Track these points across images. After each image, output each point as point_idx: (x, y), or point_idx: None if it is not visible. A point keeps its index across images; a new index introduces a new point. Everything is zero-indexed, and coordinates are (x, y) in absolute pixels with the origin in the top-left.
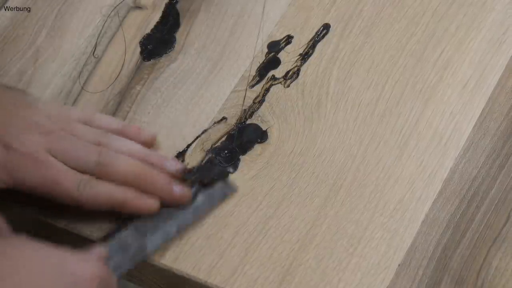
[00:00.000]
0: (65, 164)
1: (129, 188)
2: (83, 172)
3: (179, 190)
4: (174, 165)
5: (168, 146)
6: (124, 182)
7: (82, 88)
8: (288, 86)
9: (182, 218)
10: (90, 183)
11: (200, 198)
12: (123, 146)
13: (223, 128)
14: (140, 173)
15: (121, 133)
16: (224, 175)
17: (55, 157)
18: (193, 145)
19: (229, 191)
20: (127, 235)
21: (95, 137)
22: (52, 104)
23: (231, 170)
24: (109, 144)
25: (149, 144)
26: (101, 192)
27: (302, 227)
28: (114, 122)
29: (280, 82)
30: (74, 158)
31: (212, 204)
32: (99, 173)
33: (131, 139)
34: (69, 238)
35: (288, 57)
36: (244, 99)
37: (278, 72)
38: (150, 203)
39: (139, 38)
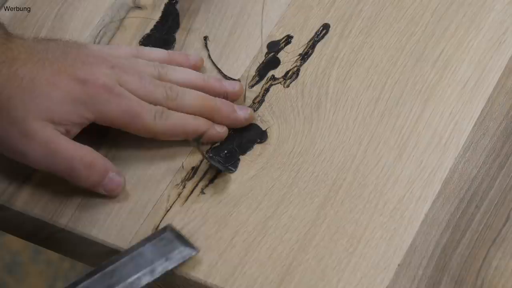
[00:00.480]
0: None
1: (200, 118)
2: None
3: (243, 114)
4: (233, 85)
5: (168, 146)
6: (192, 113)
7: None
8: (288, 86)
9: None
10: (165, 113)
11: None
12: (182, 75)
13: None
14: (205, 104)
15: (171, 62)
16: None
17: (123, 85)
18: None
19: (188, 255)
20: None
21: (154, 70)
22: (100, 45)
23: (232, 169)
24: (169, 75)
25: (199, 66)
26: (176, 122)
27: (302, 227)
28: (161, 53)
29: (280, 82)
30: (144, 92)
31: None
32: (169, 106)
33: (180, 65)
34: (69, 238)
35: (287, 57)
36: (244, 99)
37: (278, 72)
38: (221, 131)
39: (138, 38)
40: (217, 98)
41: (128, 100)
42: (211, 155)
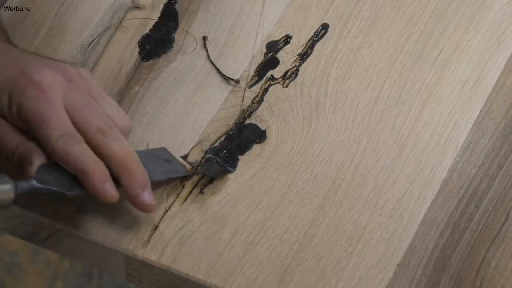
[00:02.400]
0: (70, 115)
1: (103, 166)
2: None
3: (148, 199)
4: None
5: (167, 146)
6: (110, 158)
7: None
8: (287, 86)
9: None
10: (73, 139)
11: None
12: (121, 145)
13: (222, 128)
14: (128, 161)
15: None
16: (223, 174)
17: (65, 105)
18: (193, 145)
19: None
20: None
21: (104, 122)
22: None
23: (230, 169)
24: (112, 137)
25: None
26: (74, 152)
27: (301, 227)
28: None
29: (279, 82)
30: (82, 115)
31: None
32: (94, 139)
33: None
34: (68, 239)
35: (286, 57)
36: (243, 99)
37: (277, 72)
38: (109, 192)
39: (137, 38)
40: (140, 168)
41: (50, 107)
42: (209, 156)
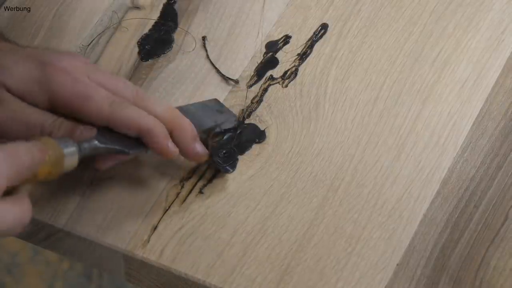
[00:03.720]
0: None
1: (161, 124)
2: None
3: (200, 149)
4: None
5: None
6: (159, 116)
7: None
8: (286, 86)
9: None
10: (123, 103)
11: None
12: (160, 106)
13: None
14: (174, 117)
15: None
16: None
17: (92, 80)
18: None
19: None
20: None
21: (131, 90)
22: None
23: (230, 169)
24: (146, 101)
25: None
26: (132, 114)
27: (300, 227)
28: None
29: (278, 82)
30: (113, 87)
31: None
32: (135, 103)
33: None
34: (68, 239)
35: (286, 57)
36: (246, 99)
37: (276, 72)
38: (172, 149)
39: (137, 38)
40: (187, 120)
41: (85, 84)
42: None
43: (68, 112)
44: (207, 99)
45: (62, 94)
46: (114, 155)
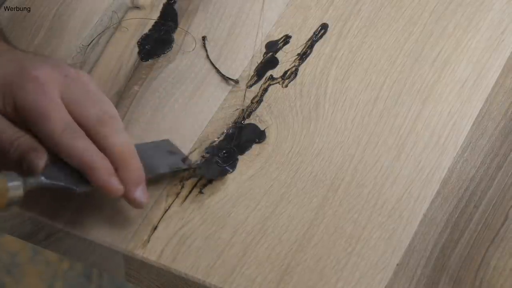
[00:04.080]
0: (68, 109)
1: (107, 161)
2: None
3: (139, 196)
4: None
5: None
6: (109, 151)
7: None
8: (286, 86)
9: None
10: (75, 133)
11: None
12: (121, 139)
13: (221, 128)
14: (125, 154)
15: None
16: (223, 174)
17: (62, 99)
18: (192, 146)
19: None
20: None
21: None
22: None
23: (229, 169)
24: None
25: None
26: (78, 147)
27: (300, 227)
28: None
29: (278, 82)
30: (80, 106)
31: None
32: (94, 130)
33: None
34: (68, 239)
35: (286, 57)
36: (244, 99)
37: (276, 72)
38: (115, 186)
39: (137, 38)
40: (137, 162)
41: (48, 100)
42: (207, 155)
43: (26, 124)
44: (159, 140)
45: (23, 104)
46: (62, 190)
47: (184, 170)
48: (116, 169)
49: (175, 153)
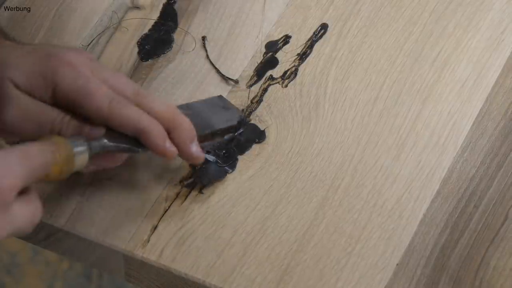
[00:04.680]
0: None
1: (159, 125)
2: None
3: (195, 151)
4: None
5: None
6: (157, 116)
7: None
8: (286, 86)
9: None
10: (122, 102)
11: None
12: (160, 104)
13: None
14: (173, 116)
15: None
16: (223, 175)
17: (95, 76)
18: None
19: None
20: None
21: (133, 88)
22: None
23: (229, 170)
24: (147, 99)
25: None
26: (129, 114)
27: (300, 227)
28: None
29: (278, 82)
30: (115, 84)
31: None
32: (136, 102)
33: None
34: (68, 239)
35: (286, 57)
36: (246, 99)
37: (276, 72)
38: (169, 149)
39: (137, 38)
40: (186, 120)
41: (87, 79)
42: (206, 152)
43: (69, 106)
44: (212, 96)
45: (64, 87)
46: (124, 153)
47: (239, 125)
48: (168, 132)
49: (230, 109)
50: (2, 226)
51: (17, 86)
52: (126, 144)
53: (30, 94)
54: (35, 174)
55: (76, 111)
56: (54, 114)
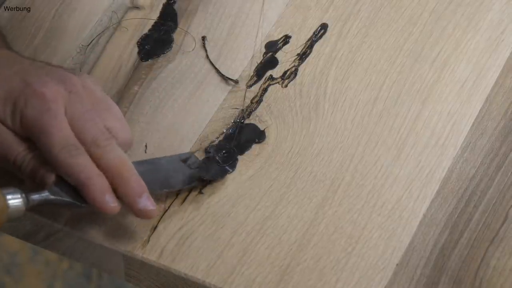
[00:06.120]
0: (71, 125)
1: (103, 178)
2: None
3: (145, 205)
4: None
5: (166, 147)
6: (104, 169)
7: None
8: (286, 86)
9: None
10: (73, 151)
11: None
12: (117, 154)
13: (221, 128)
14: (121, 170)
15: None
16: (223, 174)
17: (66, 115)
18: (192, 145)
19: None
20: None
21: (102, 132)
22: (91, 78)
23: (229, 169)
24: (108, 147)
25: None
26: (75, 164)
27: (300, 227)
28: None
29: (278, 82)
30: (79, 126)
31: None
32: (89, 151)
33: None
34: (67, 239)
35: (286, 57)
36: (244, 99)
37: (276, 72)
38: (109, 205)
39: (136, 38)
40: (134, 175)
41: (53, 117)
42: (208, 155)
43: (31, 138)
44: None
45: (29, 120)
46: (68, 206)
47: (200, 181)
48: (115, 186)
49: (188, 158)
50: None
51: None
52: (72, 197)
53: (2, 121)
54: None
55: (35, 144)
56: (19, 148)
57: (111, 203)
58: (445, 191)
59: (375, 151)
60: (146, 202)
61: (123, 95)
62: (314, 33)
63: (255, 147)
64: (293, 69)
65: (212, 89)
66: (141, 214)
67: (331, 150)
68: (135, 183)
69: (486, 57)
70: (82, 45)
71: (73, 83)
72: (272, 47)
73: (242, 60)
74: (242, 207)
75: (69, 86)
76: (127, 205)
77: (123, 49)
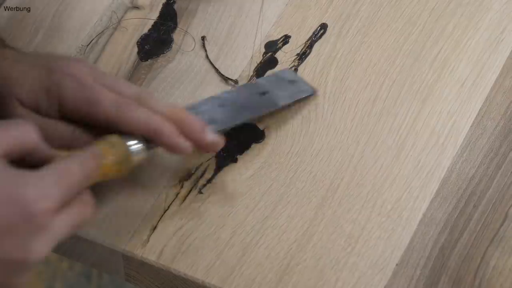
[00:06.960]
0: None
1: (169, 121)
2: None
3: (211, 138)
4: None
5: None
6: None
7: None
8: None
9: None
10: (129, 106)
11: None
12: (162, 105)
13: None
14: (177, 113)
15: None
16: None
17: (98, 84)
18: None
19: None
20: None
21: (135, 91)
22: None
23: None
24: (149, 101)
25: None
26: (140, 116)
27: (300, 226)
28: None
29: None
30: (118, 88)
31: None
32: (140, 104)
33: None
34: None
35: (285, 57)
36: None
37: None
38: (183, 145)
39: (136, 38)
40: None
41: (92, 88)
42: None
43: (77, 117)
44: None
45: (70, 100)
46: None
47: (306, 98)
48: (180, 128)
49: (296, 81)
50: (42, 246)
51: (22, 104)
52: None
53: (35, 110)
54: (75, 190)
55: (84, 121)
56: (62, 129)
57: (184, 142)
58: (444, 191)
59: (374, 151)
60: (211, 135)
61: None
62: (313, 33)
63: (254, 147)
64: (293, 69)
65: (212, 89)
66: (211, 147)
67: (331, 150)
68: (194, 121)
69: (486, 57)
70: (81, 45)
71: (88, 63)
72: (272, 47)
73: (241, 60)
74: (241, 207)
75: (87, 64)
76: (196, 141)
77: (123, 49)
